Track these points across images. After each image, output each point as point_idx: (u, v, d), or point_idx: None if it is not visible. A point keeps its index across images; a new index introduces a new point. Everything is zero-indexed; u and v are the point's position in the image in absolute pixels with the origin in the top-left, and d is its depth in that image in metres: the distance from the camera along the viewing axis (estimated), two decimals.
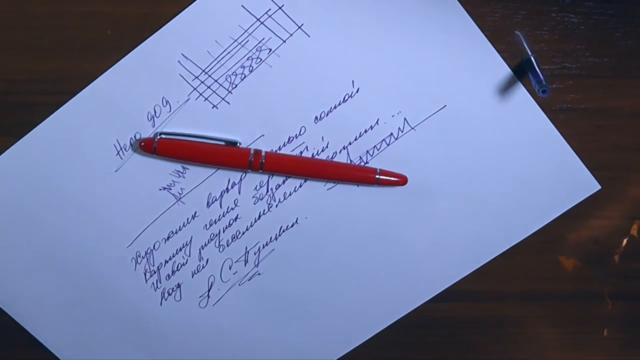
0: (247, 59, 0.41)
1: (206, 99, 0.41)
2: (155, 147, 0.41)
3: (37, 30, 0.40)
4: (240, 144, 0.42)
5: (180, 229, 0.44)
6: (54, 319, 0.46)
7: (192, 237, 0.44)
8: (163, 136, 0.41)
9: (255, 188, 0.43)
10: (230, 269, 0.45)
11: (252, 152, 0.42)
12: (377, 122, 0.43)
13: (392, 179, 0.43)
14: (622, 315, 0.49)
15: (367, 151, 0.43)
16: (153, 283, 0.45)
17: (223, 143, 0.42)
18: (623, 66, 0.43)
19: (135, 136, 0.42)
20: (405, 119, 0.43)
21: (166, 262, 0.44)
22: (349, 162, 0.43)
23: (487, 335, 0.49)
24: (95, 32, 0.40)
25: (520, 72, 0.42)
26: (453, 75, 0.42)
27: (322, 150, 0.43)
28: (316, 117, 0.42)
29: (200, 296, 0.45)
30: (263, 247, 0.45)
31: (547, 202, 0.45)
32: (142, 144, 0.41)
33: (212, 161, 0.42)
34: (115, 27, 0.40)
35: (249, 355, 0.47)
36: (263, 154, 0.42)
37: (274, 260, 0.45)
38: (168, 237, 0.44)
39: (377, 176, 0.43)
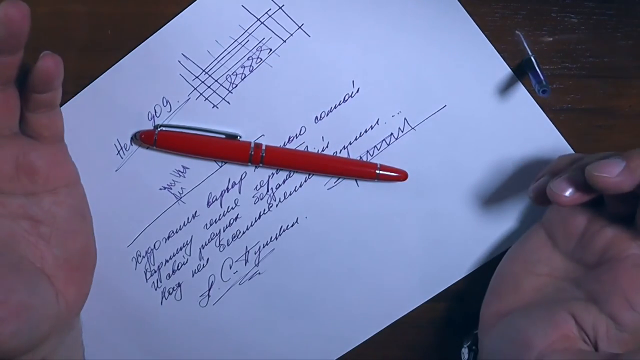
0: (248, 59, 0.41)
1: (206, 98, 0.41)
2: (155, 139, 0.41)
3: (37, 30, 0.40)
4: (240, 137, 0.42)
5: (180, 229, 0.44)
6: None
7: (192, 236, 0.44)
8: (163, 129, 0.41)
9: (256, 188, 0.43)
10: (230, 268, 0.45)
11: (252, 145, 0.42)
12: (377, 122, 0.43)
13: (392, 174, 0.43)
14: None
15: (367, 151, 0.43)
16: (153, 282, 0.45)
17: (223, 136, 0.42)
18: (623, 66, 0.43)
19: (135, 136, 0.42)
20: (405, 119, 0.43)
21: (166, 261, 0.44)
22: None
23: None
24: (95, 32, 0.40)
25: (520, 72, 0.42)
26: (453, 75, 0.42)
27: (323, 150, 0.43)
28: (316, 117, 0.42)
29: (201, 295, 0.45)
30: (263, 247, 0.45)
31: None
32: (142, 136, 0.41)
33: (213, 154, 0.42)
34: (115, 27, 0.40)
35: (249, 354, 0.47)
36: (263, 147, 0.42)
37: (274, 260, 0.45)
38: (168, 237, 0.44)
39: (377, 171, 0.43)
